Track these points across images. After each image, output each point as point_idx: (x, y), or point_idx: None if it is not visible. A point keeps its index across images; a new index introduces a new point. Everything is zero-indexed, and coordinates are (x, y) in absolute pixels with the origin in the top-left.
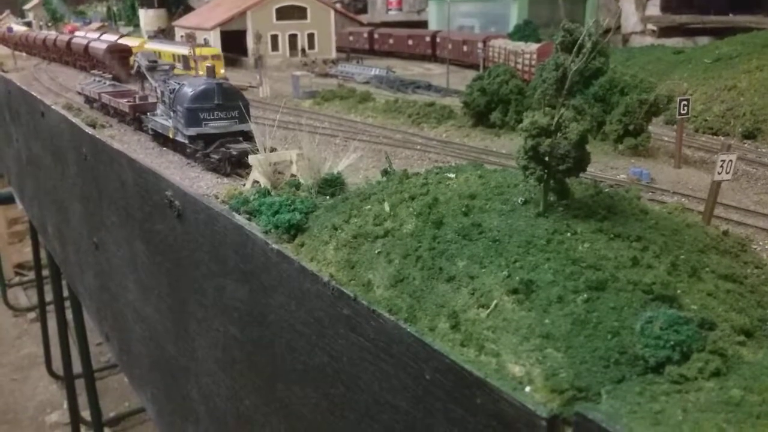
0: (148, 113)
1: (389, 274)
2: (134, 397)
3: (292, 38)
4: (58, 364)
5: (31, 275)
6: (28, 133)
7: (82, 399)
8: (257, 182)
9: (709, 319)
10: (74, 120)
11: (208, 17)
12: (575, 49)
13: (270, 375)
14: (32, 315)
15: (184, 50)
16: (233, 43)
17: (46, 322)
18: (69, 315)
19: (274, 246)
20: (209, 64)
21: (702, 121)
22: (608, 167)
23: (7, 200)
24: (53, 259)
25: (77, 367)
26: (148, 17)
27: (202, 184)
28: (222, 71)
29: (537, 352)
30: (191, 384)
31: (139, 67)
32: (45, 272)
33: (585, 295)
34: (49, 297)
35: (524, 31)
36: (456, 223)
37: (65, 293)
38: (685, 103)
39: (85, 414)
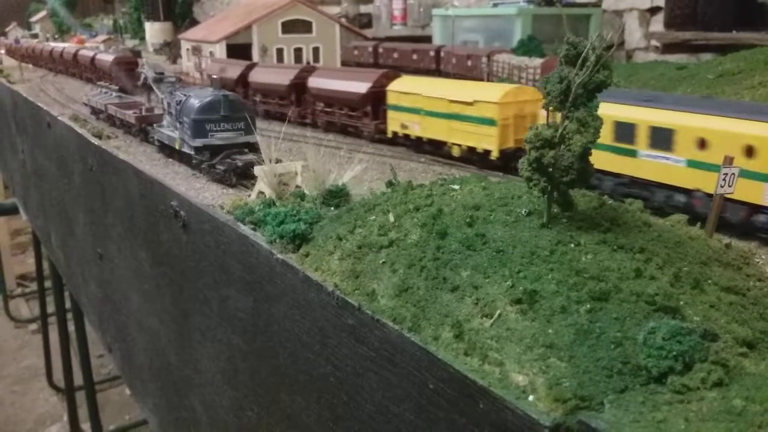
0: (154, 124)
1: (393, 284)
2: (135, 410)
3: (298, 52)
4: (58, 376)
5: (33, 286)
6: (34, 143)
7: (83, 411)
8: (262, 193)
9: (712, 331)
10: (80, 131)
11: (213, 30)
12: (579, 62)
13: (273, 385)
14: (34, 326)
15: None
16: (239, 56)
17: (47, 334)
18: (71, 327)
19: (279, 256)
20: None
21: None
22: None
23: (11, 211)
24: (56, 270)
25: (78, 379)
26: (153, 30)
27: (207, 194)
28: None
29: (540, 362)
30: (194, 395)
31: (145, 78)
32: (47, 283)
33: (588, 306)
34: (51, 308)
35: (528, 46)
36: (460, 234)
37: (67, 305)
38: None
39: (86, 427)
